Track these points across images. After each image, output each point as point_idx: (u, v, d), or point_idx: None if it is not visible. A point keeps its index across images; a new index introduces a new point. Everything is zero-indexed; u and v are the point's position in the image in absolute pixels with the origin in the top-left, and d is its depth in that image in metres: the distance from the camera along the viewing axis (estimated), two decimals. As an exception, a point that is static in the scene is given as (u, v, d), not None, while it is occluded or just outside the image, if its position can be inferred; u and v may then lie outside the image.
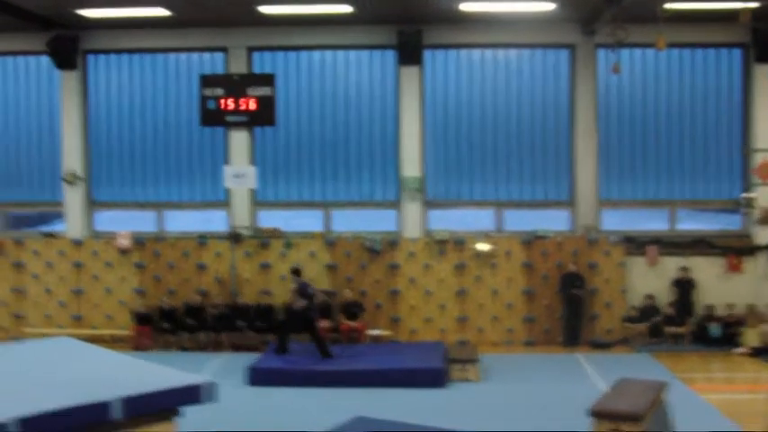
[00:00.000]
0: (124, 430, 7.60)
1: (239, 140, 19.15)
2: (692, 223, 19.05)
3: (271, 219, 19.35)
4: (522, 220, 19.00)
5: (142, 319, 18.52)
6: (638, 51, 18.40)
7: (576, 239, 18.58)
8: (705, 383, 15.20)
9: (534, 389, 14.51)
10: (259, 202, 19.40)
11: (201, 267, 19.01)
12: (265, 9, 17.05)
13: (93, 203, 19.72)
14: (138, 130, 19.68)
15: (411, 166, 18.87)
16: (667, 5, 15.92)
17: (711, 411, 12.68)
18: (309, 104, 19.31)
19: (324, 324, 17.92)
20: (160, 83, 19.59)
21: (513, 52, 19.03)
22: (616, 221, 18.98)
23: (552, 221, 18.98)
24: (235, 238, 18.87)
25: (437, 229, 18.93)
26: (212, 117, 18.99)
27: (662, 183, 18.96)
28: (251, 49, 19.18)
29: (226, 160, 19.13)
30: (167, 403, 8.14)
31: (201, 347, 18.15)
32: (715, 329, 17.81)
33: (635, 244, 18.52)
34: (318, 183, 19.41)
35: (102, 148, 19.72)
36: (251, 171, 18.58)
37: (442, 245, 18.67)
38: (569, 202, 18.97)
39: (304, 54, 19.28)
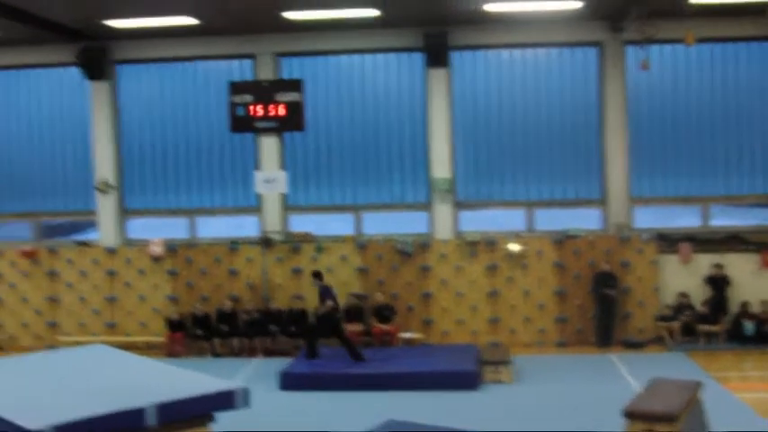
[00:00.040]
0: (159, 436, 7.70)
1: (269, 146, 19.24)
2: (725, 219, 18.84)
3: (302, 223, 19.39)
4: (554, 220, 18.90)
5: (175, 325, 18.65)
6: (667, 47, 18.21)
7: (608, 238, 18.46)
8: (740, 382, 15.05)
9: (567, 390, 14.46)
10: (290, 206, 19.46)
11: (233, 273, 19.11)
12: (292, 15, 17.10)
13: (125, 211, 19.89)
14: (168, 138, 19.80)
15: (441, 167, 18.85)
16: (694, 0, 15.84)
17: (746, 411, 12.58)
18: (338, 108, 19.33)
19: (356, 327, 17.99)
20: (189, 91, 19.70)
21: (540, 51, 18.92)
22: (648, 219, 18.82)
23: (583, 220, 18.85)
24: (266, 243, 18.95)
25: (468, 230, 18.89)
26: (242, 123, 19.09)
27: (694, 179, 18.74)
28: (279, 55, 19.25)
29: (256, 166, 19.22)
30: (201, 409, 8.24)
31: (234, 353, 18.26)
32: (749, 327, 17.62)
33: (668, 241, 18.36)
34: (349, 186, 19.42)
35: (133, 156, 19.86)
36: (281, 176, 18.66)
37: (473, 246, 18.64)
38: (600, 201, 18.85)
39: (331, 59, 19.31)
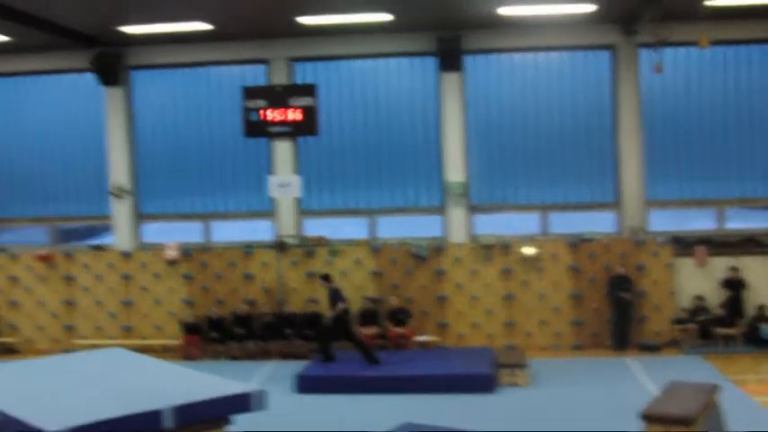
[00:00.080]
0: (175, 439, 7.71)
1: (283, 150, 19.28)
2: (740, 222, 18.78)
3: (316, 227, 19.43)
4: (568, 223, 18.87)
5: (191, 328, 18.71)
6: (681, 50, 18.16)
7: (623, 241, 18.42)
8: (757, 385, 14.94)
9: (584, 393, 14.43)
10: (304, 210, 19.50)
11: (248, 277, 19.15)
12: (305, 20, 17.15)
13: (140, 216, 19.97)
14: (182, 143, 19.87)
15: (455, 171, 18.85)
16: (708, 2, 15.78)
17: (764, 413, 12.51)
18: (352, 113, 19.35)
19: (371, 331, 17.99)
20: (203, 96, 19.78)
21: (553, 55, 18.92)
22: (663, 222, 18.76)
23: (598, 223, 18.82)
24: (281, 247, 18.98)
25: (483, 233, 18.88)
26: (255, 128, 19.15)
27: (709, 181, 18.68)
28: (292, 60, 19.30)
29: (270, 170, 19.26)
30: (218, 412, 8.25)
31: (250, 356, 18.29)
32: (766, 330, 17.53)
33: (683, 244, 18.30)
34: (363, 190, 19.44)
35: (148, 161, 19.96)
36: (295, 180, 18.69)
37: (488, 249, 18.62)
38: (615, 204, 18.80)
39: (345, 63, 19.34)
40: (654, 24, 15.61)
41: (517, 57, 18.98)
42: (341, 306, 16.15)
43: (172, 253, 19.24)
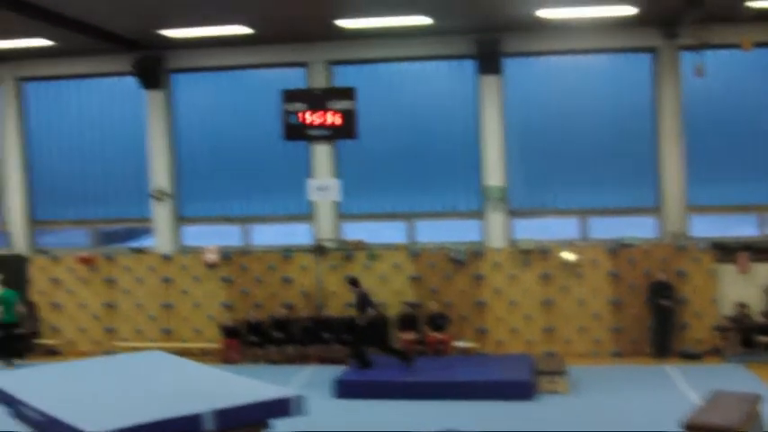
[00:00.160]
0: (215, 442, 7.73)
1: (322, 154, 19.31)
2: (784, 228, 18.51)
3: (355, 231, 19.44)
4: (607, 228, 18.68)
5: (230, 332, 18.80)
6: (724, 52, 17.87)
7: (664, 247, 18.21)
8: (802, 394, 14.71)
9: (624, 401, 14.29)
10: (343, 214, 19.51)
11: (287, 281, 19.20)
12: (344, 23, 17.18)
13: (180, 219, 20.11)
14: (222, 146, 19.97)
15: (494, 175, 18.76)
16: (750, 4, 15.54)
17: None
18: (390, 116, 19.33)
19: (409, 336, 17.95)
20: (243, 99, 19.87)
21: (593, 58, 18.76)
22: (705, 228, 18.51)
23: (638, 229, 18.62)
24: (319, 250, 19.01)
25: (522, 238, 18.77)
26: (295, 131, 19.18)
27: (752, 186, 18.39)
28: (331, 64, 19.33)
29: (309, 174, 19.29)
30: (257, 416, 8.27)
31: (288, 360, 18.33)
32: (811, 338, 17.27)
33: (725, 251, 18.04)
34: (401, 194, 19.39)
35: (188, 164, 20.08)
36: (334, 184, 18.70)
37: (526, 255, 18.50)
38: (655, 209, 18.60)
39: (383, 66, 19.33)
40: (695, 27, 15.41)
41: (557, 59, 18.86)
42: (371, 312, 16.14)
43: (212, 256, 19.35)
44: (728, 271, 18.02)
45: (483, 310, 18.62)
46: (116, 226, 20.96)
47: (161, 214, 19.89)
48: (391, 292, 18.56)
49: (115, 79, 20.16)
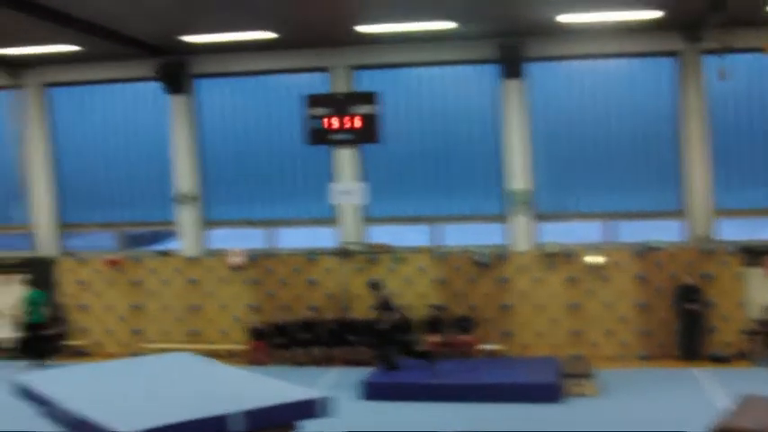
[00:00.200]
0: (243, 444, 7.76)
1: (345, 158, 19.34)
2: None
3: (379, 234, 19.45)
4: (633, 232, 18.59)
5: (258, 334, 18.86)
6: (748, 56, 17.68)
7: (690, 250, 18.09)
8: (831, 398, 14.56)
9: (652, 404, 14.22)
10: (368, 217, 19.52)
11: (312, 283, 19.25)
12: (367, 28, 17.19)
13: (205, 222, 20.19)
14: (246, 150, 20.04)
15: (518, 178, 18.71)
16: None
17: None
18: (414, 120, 19.33)
19: (435, 338, 17.93)
20: (266, 104, 19.93)
21: (616, 62, 18.67)
22: (732, 231, 18.37)
23: (663, 232, 18.51)
24: (344, 253, 19.04)
25: (547, 241, 18.70)
26: (318, 136, 19.14)
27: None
28: (353, 68, 19.36)
29: (333, 177, 19.32)
30: (285, 417, 8.29)
31: (315, 362, 18.37)
32: (840, 341, 17.10)
33: (752, 254, 17.91)
34: (425, 197, 19.39)
35: (212, 168, 20.17)
36: (358, 187, 18.72)
37: (552, 258, 18.44)
38: (680, 212, 18.47)
39: (406, 71, 19.35)
40: (718, 30, 15.31)
41: (579, 64, 18.78)
42: (395, 316, 16.14)
43: (236, 259, 19.42)
44: (756, 274, 17.88)
45: (508, 313, 18.57)
46: (141, 229, 21.09)
47: (186, 217, 19.99)
48: (416, 294, 18.56)
49: (139, 84, 20.28)
